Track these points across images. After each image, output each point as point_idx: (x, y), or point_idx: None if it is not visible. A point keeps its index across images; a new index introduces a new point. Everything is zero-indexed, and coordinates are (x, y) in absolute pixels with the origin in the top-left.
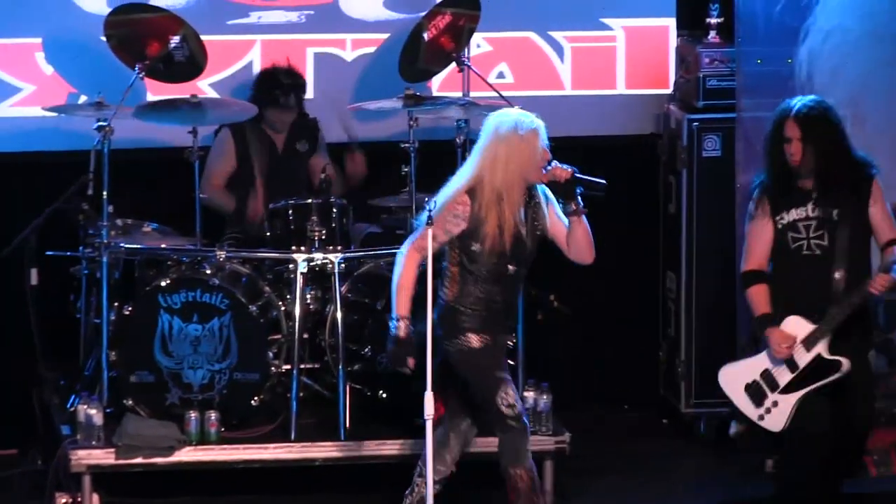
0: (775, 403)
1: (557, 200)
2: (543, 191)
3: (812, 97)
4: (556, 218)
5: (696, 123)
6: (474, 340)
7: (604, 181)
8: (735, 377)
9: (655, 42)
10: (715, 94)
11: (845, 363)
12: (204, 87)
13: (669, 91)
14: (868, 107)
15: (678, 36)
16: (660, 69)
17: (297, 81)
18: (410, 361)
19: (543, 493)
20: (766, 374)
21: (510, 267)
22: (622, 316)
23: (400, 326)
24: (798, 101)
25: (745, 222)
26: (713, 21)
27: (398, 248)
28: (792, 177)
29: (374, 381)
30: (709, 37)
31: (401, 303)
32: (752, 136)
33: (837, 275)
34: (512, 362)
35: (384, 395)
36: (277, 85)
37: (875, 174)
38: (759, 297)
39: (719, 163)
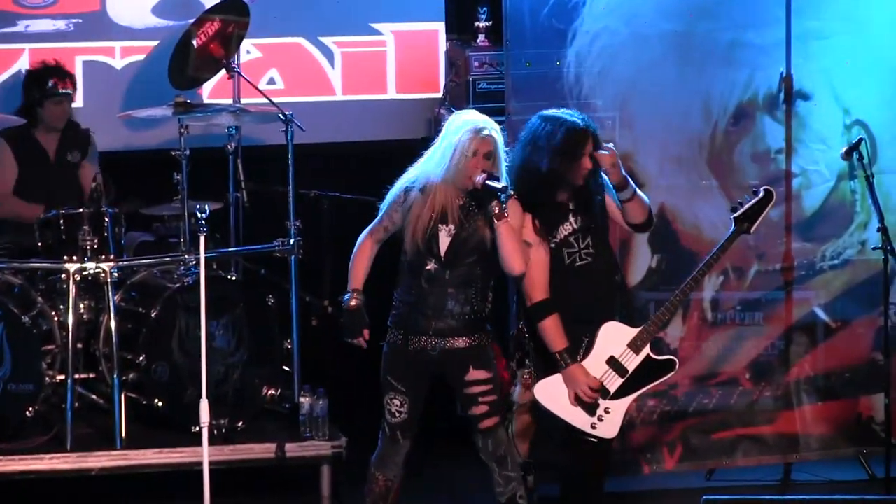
0: (607, 410)
1: (479, 207)
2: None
3: (565, 110)
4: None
5: None
6: (389, 335)
7: (503, 184)
8: (556, 390)
9: (425, 46)
10: (485, 97)
11: (676, 361)
12: None
13: (440, 95)
14: (636, 108)
15: (447, 40)
16: (430, 73)
17: (68, 72)
18: (365, 333)
19: None
20: None
21: (431, 266)
22: None
23: (351, 297)
24: (575, 116)
25: None
26: (482, 25)
27: (171, 256)
28: (555, 193)
29: (149, 389)
30: (478, 40)
31: (353, 277)
32: None
33: (618, 277)
34: (287, 368)
35: (160, 404)
36: (50, 75)
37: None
38: (554, 331)
39: None
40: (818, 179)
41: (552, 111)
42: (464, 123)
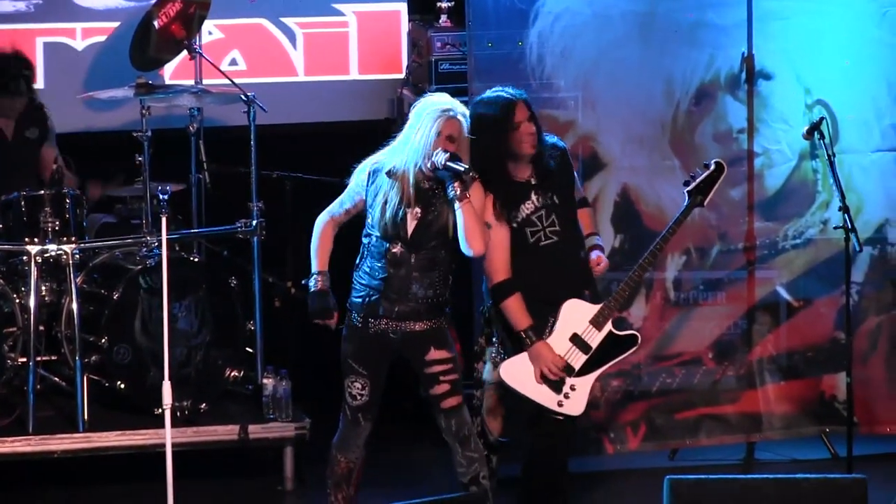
0: (573, 387)
1: (442, 188)
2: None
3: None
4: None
5: None
6: (349, 318)
7: (465, 165)
8: (521, 369)
9: (387, 27)
10: (447, 78)
11: (639, 336)
12: None
13: (402, 75)
14: (598, 88)
15: (410, 20)
16: (392, 54)
17: (25, 67)
18: (334, 315)
19: (353, 486)
20: None
21: (396, 249)
22: None
23: (317, 280)
24: (501, 90)
25: None
26: (444, 5)
27: (133, 238)
28: (505, 168)
29: (111, 371)
30: (440, 21)
31: (317, 259)
32: None
33: (582, 254)
34: (250, 349)
35: (122, 386)
36: (5, 71)
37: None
38: (517, 310)
39: None
40: (780, 159)
41: (486, 94)
42: (430, 104)
